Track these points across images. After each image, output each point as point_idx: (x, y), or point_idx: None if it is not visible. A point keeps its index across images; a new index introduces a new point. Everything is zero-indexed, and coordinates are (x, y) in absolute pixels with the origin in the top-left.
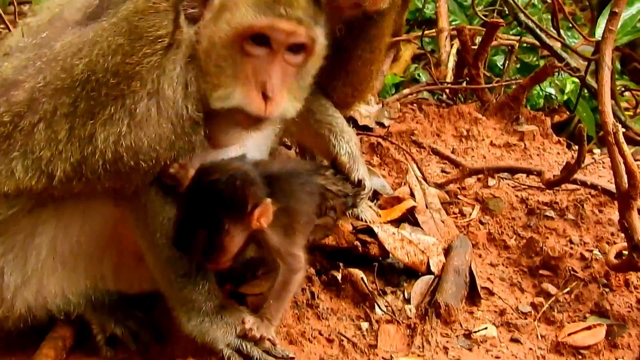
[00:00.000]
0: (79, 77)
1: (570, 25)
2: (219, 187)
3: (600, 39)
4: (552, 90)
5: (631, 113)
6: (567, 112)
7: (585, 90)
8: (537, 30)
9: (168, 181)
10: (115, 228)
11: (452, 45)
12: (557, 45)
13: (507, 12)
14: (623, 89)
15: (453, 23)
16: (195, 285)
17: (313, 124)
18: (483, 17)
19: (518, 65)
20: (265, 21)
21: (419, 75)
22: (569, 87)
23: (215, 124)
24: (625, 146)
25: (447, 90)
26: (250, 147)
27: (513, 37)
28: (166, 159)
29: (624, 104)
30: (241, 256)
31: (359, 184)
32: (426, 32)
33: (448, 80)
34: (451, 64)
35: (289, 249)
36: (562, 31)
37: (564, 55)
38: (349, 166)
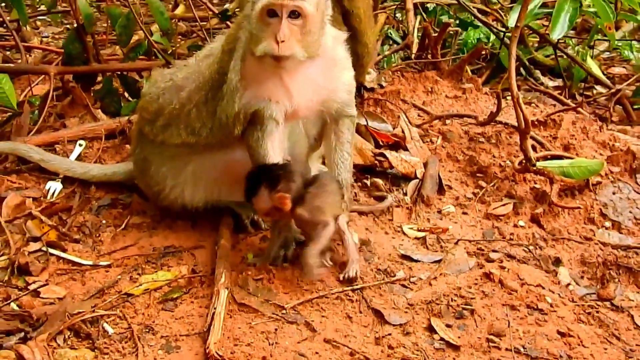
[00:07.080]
0: (208, 79)
1: None
2: (273, 169)
3: (513, 26)
4: (481, 36)
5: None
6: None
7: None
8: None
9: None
10: (228, 165)
11: (416, 20)
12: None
13: None
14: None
15: None
16: None
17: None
18: None
19: (457, 22)
20: (272, 1)
21: (390, 33)
22: (492, 37)
23: (261, 74)
24: (523, 106)
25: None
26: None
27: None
28: (233, 116)
29: None
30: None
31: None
32: (394, 5)
33: (415, 44)
34: (416, 33)
35: (316, 219)
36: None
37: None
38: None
